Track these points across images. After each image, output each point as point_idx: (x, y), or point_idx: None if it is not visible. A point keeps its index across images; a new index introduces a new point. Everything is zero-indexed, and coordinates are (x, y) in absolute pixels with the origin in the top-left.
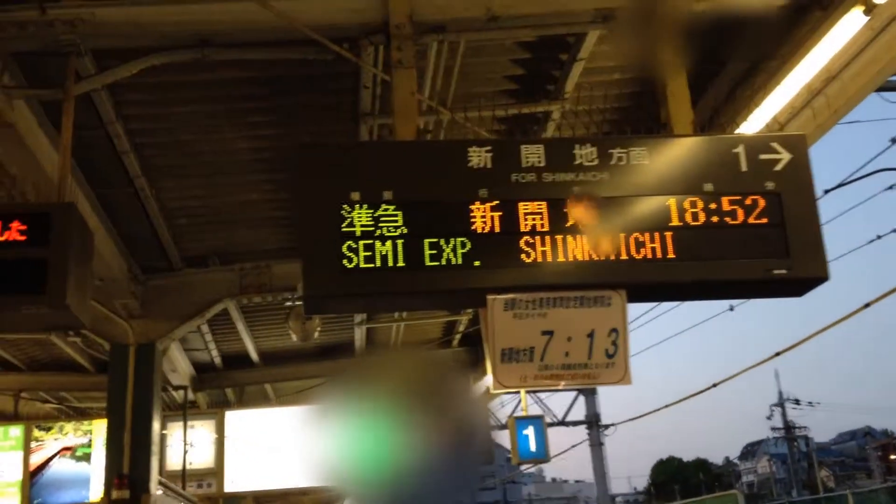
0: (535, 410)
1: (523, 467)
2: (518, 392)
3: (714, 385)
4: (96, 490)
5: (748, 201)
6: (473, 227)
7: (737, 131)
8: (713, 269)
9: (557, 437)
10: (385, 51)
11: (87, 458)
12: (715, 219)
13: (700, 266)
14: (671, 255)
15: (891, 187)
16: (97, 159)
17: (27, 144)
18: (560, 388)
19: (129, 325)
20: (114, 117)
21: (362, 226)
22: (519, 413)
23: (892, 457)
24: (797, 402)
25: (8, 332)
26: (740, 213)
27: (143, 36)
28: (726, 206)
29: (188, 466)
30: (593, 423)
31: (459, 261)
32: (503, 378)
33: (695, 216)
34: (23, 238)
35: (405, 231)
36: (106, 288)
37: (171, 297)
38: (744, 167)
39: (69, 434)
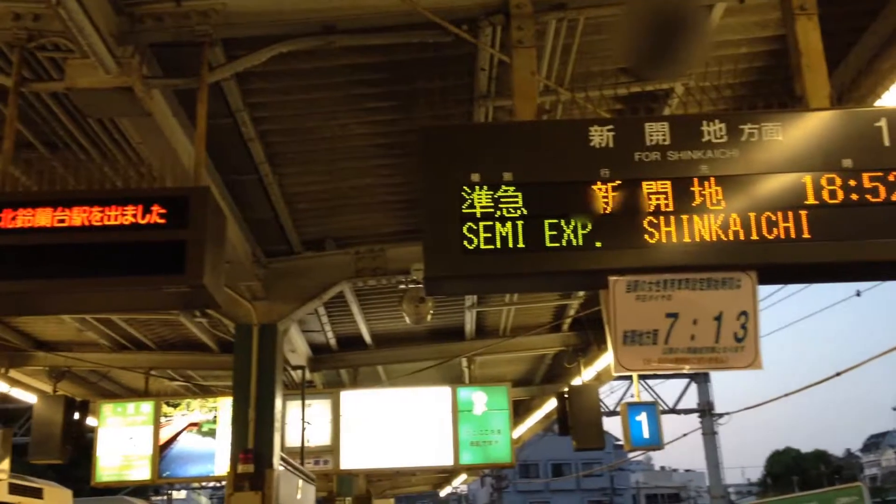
0: (644, 398)
1: (631, 455)
2: (629, 377)
3: (837, 374)
4: (221, 464)
5: (892, 177)
6: (595, 208)
7: (877, 103)
8: (852, 249)
9: (668, 425)
10: (503, 31)
11: (212, 433)
12: (854, 196)
13: (837, 247)
14: (806, 236)
15: None
16: (225, 147)
17: (164, 133)
18: (685, 370)
19: (253, 307)
20: (241, 105)
21: (482, 207)
22: (629, 399)
23: None
24: None
25: (149, 311)
26: (883, 191)
27: (271, 24)
28: (867, 184)
29: (306, 444)
30: (706, 411)
31: (580, 242)
32: (625, 361)
33: (832, 194)
34: (163, 221)
35: (525, 212)
36: (232, 270)
37: (290, 279)
38: (887, 141)
39: (196, 410)
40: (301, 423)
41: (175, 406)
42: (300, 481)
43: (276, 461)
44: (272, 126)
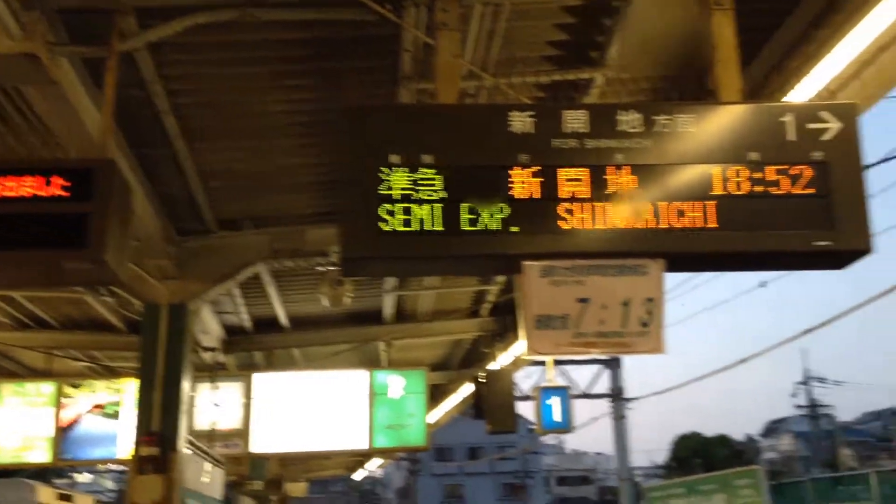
0: (559, 382)
1: (544, 438)
2: (544, 362)
3: (741, 361)
4: (125, 447)
5: (794, 171)
6: (512, 193)
7: (785, 100)
8: (755, 239)
9: (580, 410)
10: (428, 13)
11: (116, 415)
12: (759, 189)
13: (742, 237)
14: (712, 225)
15: None
16: (136, 119)
17: (70, 102)
18: (593, 354)
19: (163, 286)
20: (155, 77)
21: (401, 189)
22: (544, 384)
23: None
24: (822, 380)
25: (50, 287)
26: (785, 183)
27: None
28: (771, 176)
29: (216, 427)
30: (616, 396)
31: (497, 226)
32: (537, 344)
33: (738, 185)
34: (66, 194)
35: (443, 195)
36: (141, 248)
37: (204, 259)
38: (791, 136)
39: (100, 392)
40: (211, 405)
41: (78, 387)
42: (208, 465)
43: (182, 444)
44: (188, 100)
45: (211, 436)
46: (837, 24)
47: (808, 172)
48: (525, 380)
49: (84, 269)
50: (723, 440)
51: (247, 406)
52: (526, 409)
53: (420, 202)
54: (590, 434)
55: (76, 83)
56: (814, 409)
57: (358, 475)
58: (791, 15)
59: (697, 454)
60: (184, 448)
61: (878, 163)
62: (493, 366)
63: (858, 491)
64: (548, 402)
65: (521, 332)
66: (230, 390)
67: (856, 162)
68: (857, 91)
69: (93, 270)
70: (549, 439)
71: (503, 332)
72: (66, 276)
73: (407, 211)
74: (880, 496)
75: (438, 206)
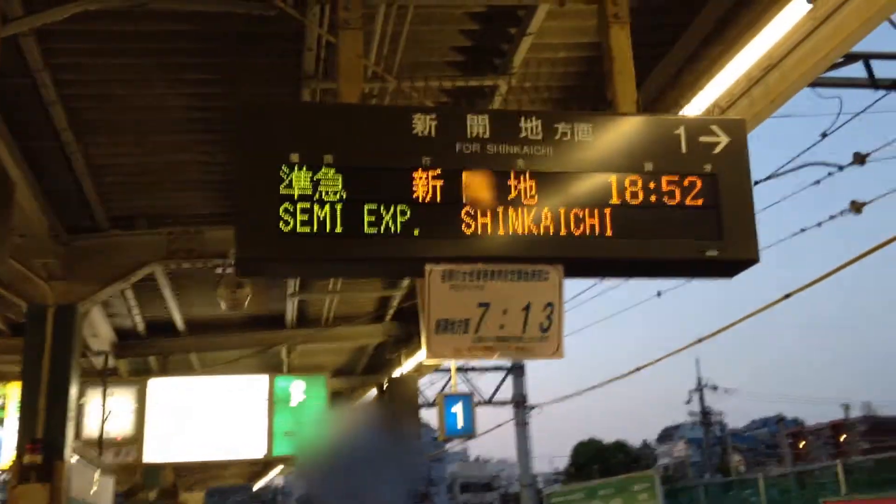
0: (463, 389)
1: (448, 446)
2: (448, 369)
3: (637, 369)
4: (8, 455)
5: (686, 182)
6: (415, 196)
7: (679, 114)
8: (648, 247)
9: (484, 417)
10: (331, 11)
11: (0, 422)
12: (653, 198)
13: (635, 244)
14: (608, 233)
15: (817, 182)
16: (21, 109)
17: None
18: (493, 359)
19: (49, 286)
20: (41, 65)
21: (300, 188)
22: (448, 391)
23: (802, 444)
24: (715, 388)
25: None
26: (678, 194)
27: None
28: (665, 186)
29: (106, 435)
30: (519, 402)
31: (399, 229)
32: (437, 349)
33: (634, 195)
34: None
35: (344, 196)
36: (26, 246)
37: (94, 258)
38: (684, 148)
39: None
40: (102, 412)
41: None
42: (97, 474)
43: (69, 452)
44: (77, 90)
45: (101, 444)
46: (729, 41)
47: (698, 184)
48: (429, 387)
49: None
50: (620, 446)
51: (140, 412)
52: (430, 417)
53: (321, 202)
54: (493, 441)
55: None
56: (705, 416)
57: (258, 485)
58: (686, 31)
59: (596, 460)
60: (71, 456)
61: (767, 178)
62: (396, 372)
63: (748, 495)
64: (452, 408)
65: (422, 336)
66: (123, 396)
67: (744, 175)
68: (746, 108)
69: None
70: (454, 446)
71: (407, 338)
72: None
73: (307, 211)
74: (768, 500)
75: (339, 206)
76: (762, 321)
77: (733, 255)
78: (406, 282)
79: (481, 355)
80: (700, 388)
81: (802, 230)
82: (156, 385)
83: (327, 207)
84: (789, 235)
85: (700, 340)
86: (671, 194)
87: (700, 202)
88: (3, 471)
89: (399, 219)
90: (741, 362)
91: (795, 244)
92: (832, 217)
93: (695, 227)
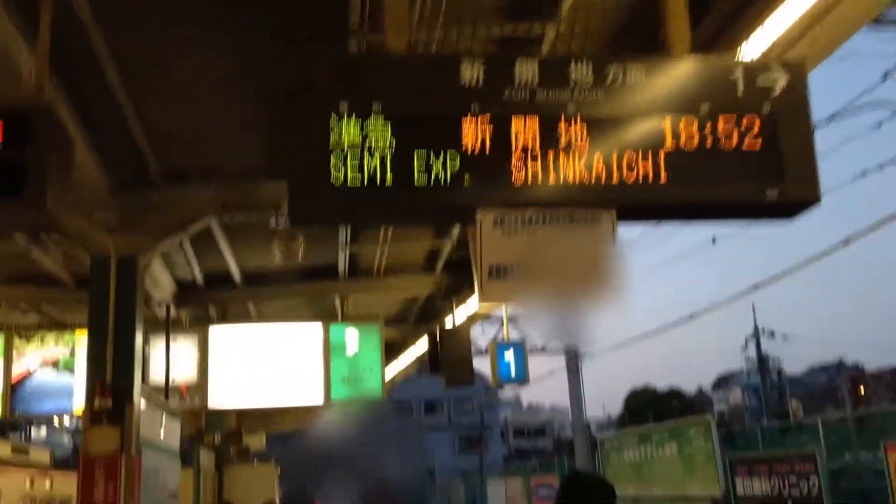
0: (515, 338)
1: (501, 394)
2: (500, 317)
3: (691, 316)
4: (79, 401)
5: (744, 124)
6: (464, 143)
7: (738, 52)
8: (705, 190)
9: (537, 365)
10: None
11: (70, 369)
12: (709, 141)
13: (692, 188)
14: (663, 176)
15: (879, 124)
16: (77, 68)
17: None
18: (546, 304)
19: (110, 239)
20: (91, 20)
21: (350, 138)
22: (500, 339)
23: (862, 390)
24: (772, 334)
25: None
26: (735, 136)
27: None
28: (722, 129)
29: (172, 382)
30: (572, 350)
31: (448, 177)
32: (490, 294)
33: (689, 138)
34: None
35: (394, 145)
36: (85, 200)
37: (151, 212)
38: (741, 90)
39: (51, 345)
40: (166, 359)
41: (29, 340)
42: (164, 418)
43: (137, 397)
44: (131, 48)
45: (167, 390)
46: None
47: (757, 125)
48: (481, 335)
49: (23, 218)
50: (674, 393)
51: (203, 360)
52: (483, 366)
53: (371, 152)
54: (546, 389)
55: (5, 20)
56: (762, 363)
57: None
58: None
59: (649, 407)
60: (139, 401)
61: (827, 119)
62: (449, 321)
63: (806, 440)
64: (504, 356)
65: (475, 282)
66: (185, 344)
67: (803, 116)
68: (804, 48)
69: (32, 217)
70: (507, 394)
71: (458, 288)
72: (7, 223)
73: (357, 161)
74: (827, 445)
75: (389, 155)
76: (822, 268)
77: (794, 196)
78: (456, 232)
79: (535, 300)
80: (756, 333)
81: (863, 174)
82: (217, 333)
83: (377, 157)
84: (850, 179)
85: (757, 287)
86: (728, 136)
87: (758, 144)
88: (76, 416)
89: (449, 167)
90: (800, 310)
91: (856, 188)
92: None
93: (753, 169)
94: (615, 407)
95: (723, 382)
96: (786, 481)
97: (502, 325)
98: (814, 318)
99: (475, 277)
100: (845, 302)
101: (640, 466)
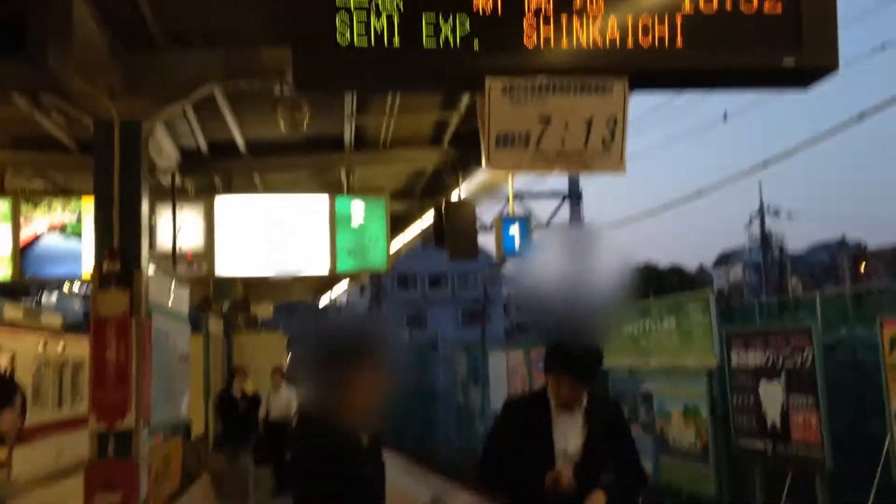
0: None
1: (504, 270)
2: (506, 194)
3: (699, 193)
4: (88, 266)
5: None
6: (474, 6)
7: None
8: (721, 56)
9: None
10: None
11: (77, 234)
12: (728, 5)
13: (707, 53)
14: (679, 42)
15: None
16: None
17: None
18: (554, 173)
19: (113, 104)
20: None
21: None
22: (506, 214)
23: (862, 267)
24: (777, 212)
25: None
26: (755, 0)
27: None
28: None
29: (179, 250)
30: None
31: (458, 41)
32: (497, 162)
33: (707, 1)
34: None
35: (401, 6)
36: (87, 62)
37: (154, 76)
38: None
39: (58, 211)
40: (173, 227)
41: (36, 205)
42: (172, 285)
43: (145, 263)
44: None
45: (175, 257)
46: None
47: None
48: (486, 212)
49: (25, 74)
50: (675, 271)
51: (209, 228)
52: (487, 242)
53: (378, 13)
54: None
55: None
56: (765, 240)
57: (322, 301)
58: None
59: (651, 284)
60: (147, 266)
61: None
62: (454, 195)
63: (804, 315)
64: (509, 230)
65: (482, 150)
66: (191, 213)
67: None
68: None
69: (34, 76)
70: (509, 271)
71: (465, 162)
72: (7, 81)
73: (364, 22)
74: (823, 321)
75: (396, 17)
76: (834, 146)
77: (811, 63)
78: (464, 104)
79: (542, 169)
80: (761, 209)
81: (883, 46)
82: (222, 202)
83: (384, 18)
84: (868, 51)
85: (767, 163)
86: (748, 1)
87: (779, 7)
88: (84, 280)
89: (458, 31)
90: (809, 189)
91: (872, 63)
92: None
93: (772, 34)
94: None
95: (725, 260)
96: (780, 354)
97: (507, 203)
98: (821, 197)
99: (482, 145)
100: (855, 180)
101: (638, 339)
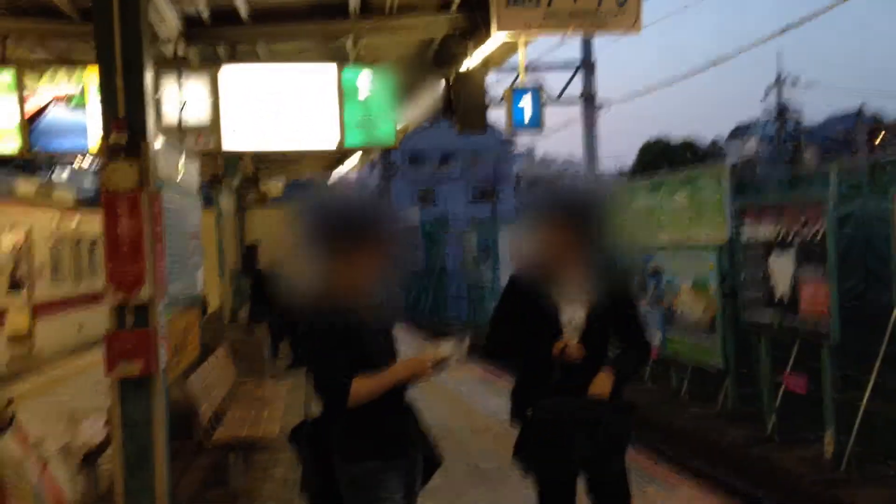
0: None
1: (515, 146)
2: (515, 71)
3: (713, 64)
4: (95, 139)
5: None
6: None
7: None
8: None
9: (553, 118)
10: None
11: (82, 106)
12: None
13: None
14: None
15: None
16: None
17: None
18: (566, 34)
19: None
20: None
21: None
22: (517, 85)
23: (879, 139)
24: (794, 82)
25: None
26: None
27: None
28: None
29: (185, 123)
30: (588, 99)
31: None
32: (507, 22)
33: None
34: None
35: None
36: None
37: None
38: None
39: (62, 82)
40: (178, 99)
41: (39, 77)
42: (182, 158)
43: (152, 135)
44: None
45: (181, 131)
46: None
47: None
48: (496, 85)
49: None
50: (688, 145)
51: (215, 101)
52: (498, 117)
53: None
54: (560, 142)
55: None
56: (781, 112)
57: (332, 178)
58: None
59: (663, 159)
60: (154, 136)
61: None
62: (463, 66)
63: (817, 188)
64: (519, 103)
65: (492, 9)
66: (197, 84)
67: None
68: None
69: None
70: (521, 145)
71: (474, 30)
72: None
73: None
74: (837, 192)
75: None
76: (856, 13)
77: None
78: None
79: (553, 29)
80: (778, 79)
81: None
82: (228, 72)
83: None
84: None
85: (786, 29)
86: None
87: None
88: (91, 154)
89: None
90: (828, 57)
91: None
92: None
93: None
94: (629, 160)
95: (739, 132)
96: (792, 227)
97: (517, 76)
98: (841, 67)
99: (492, 5)
100: (876, 49)
101: (649, 214)
